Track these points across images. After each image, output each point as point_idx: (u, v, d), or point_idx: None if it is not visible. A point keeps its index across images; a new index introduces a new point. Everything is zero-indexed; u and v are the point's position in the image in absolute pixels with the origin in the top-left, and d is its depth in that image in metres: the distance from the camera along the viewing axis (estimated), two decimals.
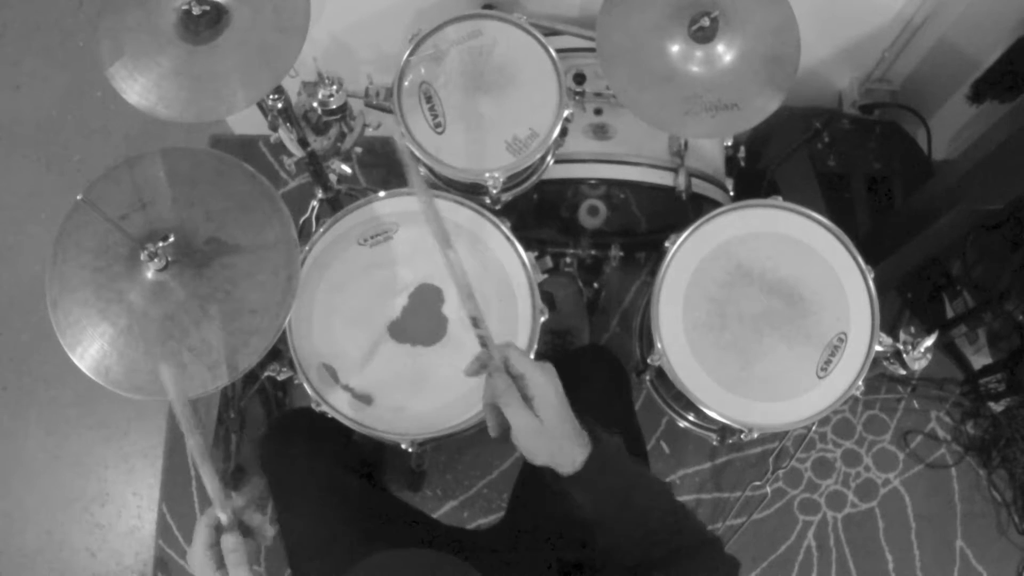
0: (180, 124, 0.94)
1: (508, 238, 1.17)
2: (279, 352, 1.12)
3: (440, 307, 1.14)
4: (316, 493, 1.08)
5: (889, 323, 1.43)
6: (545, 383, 0.77)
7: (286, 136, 1.19)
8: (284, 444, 1.15)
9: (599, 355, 1.23)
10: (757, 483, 1.67)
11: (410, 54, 1.23)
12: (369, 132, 1.29)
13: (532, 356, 1.11)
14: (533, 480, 1.16)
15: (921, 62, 1.63)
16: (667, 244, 1.19)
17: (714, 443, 1.36)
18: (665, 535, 0.81)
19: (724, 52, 1.09)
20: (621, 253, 1.59)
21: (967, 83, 1.59)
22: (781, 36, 1.09)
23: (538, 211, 1.52)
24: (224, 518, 0.77)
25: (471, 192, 1.24)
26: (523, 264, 1.16)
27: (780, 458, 1.65)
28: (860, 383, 1.13)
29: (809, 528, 1.69)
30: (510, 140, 1.20)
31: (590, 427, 0.80)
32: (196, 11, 0.92)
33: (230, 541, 0.76)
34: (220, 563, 0.76)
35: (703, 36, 1.07)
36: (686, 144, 1.34)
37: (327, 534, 1.06)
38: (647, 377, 1.31)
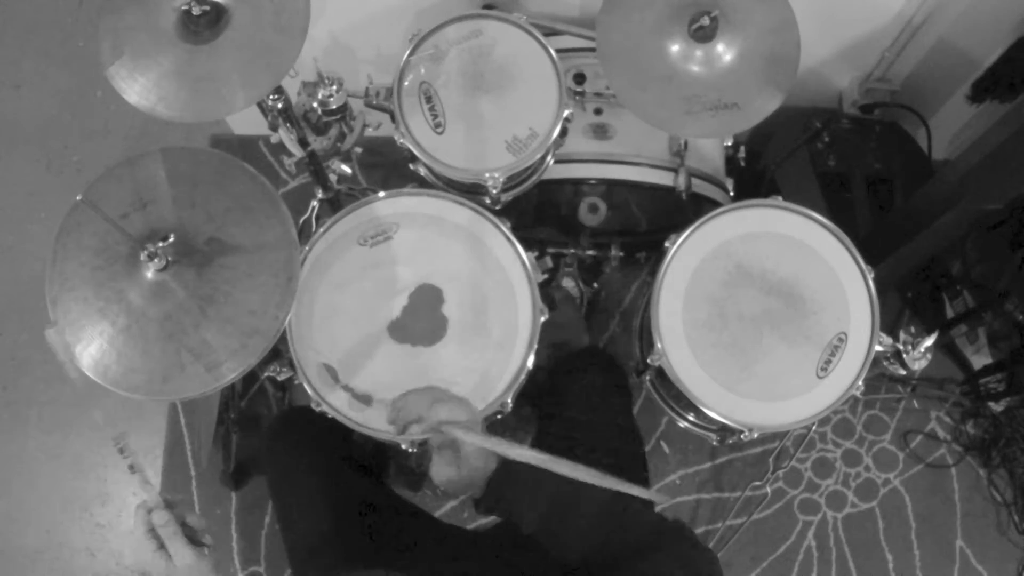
0: (180, 124, 0.93)
1: (508, 238, 1.17)
2: (279, 352, 1.12)
3: (440, 307, 1.14)
4: (316, 491, 1.08)
5: (889, 323, 1.43)
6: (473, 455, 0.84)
7: (286, 136, 1.19)
8: (284, 443, 1.15)
9: (595, 355, 1.23)
10: (757, 483, 1.67)
11: (410, 54, 1.23)
12: (369, 132, 1.29)
13: (532, 356, 1.11)
14: None
15: (921, 62, 1.63)
16: (667, 244, 1.19)
17: (714, 443, 1.36)
18: (603, 533, 0.81)
19: (724, 52, 1.08)
20: (621, 253, 1.59)
21: (967, 83, 1.59)
22: (781, 36, 1.09)
23: (538, 211, 1.52)
24: (150, 500, 0.85)
25: (471, 192, 1.24)
26: (523, 264, 1.16)
27: (780, 458, 1.65)
28: (860, 383, 1.13)
29: (809, 528, 1.69)
30: (510, 140, 1.20)
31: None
32: (196, 11, 0.92)
33: (160, 517, 0.83)
34: (160, 545, 0.82)
35: (703, 36, 1.07)
36: (686, 144, 1.34)
37: (328, 532, 1.06)
38: (647, 377, 1.31)
